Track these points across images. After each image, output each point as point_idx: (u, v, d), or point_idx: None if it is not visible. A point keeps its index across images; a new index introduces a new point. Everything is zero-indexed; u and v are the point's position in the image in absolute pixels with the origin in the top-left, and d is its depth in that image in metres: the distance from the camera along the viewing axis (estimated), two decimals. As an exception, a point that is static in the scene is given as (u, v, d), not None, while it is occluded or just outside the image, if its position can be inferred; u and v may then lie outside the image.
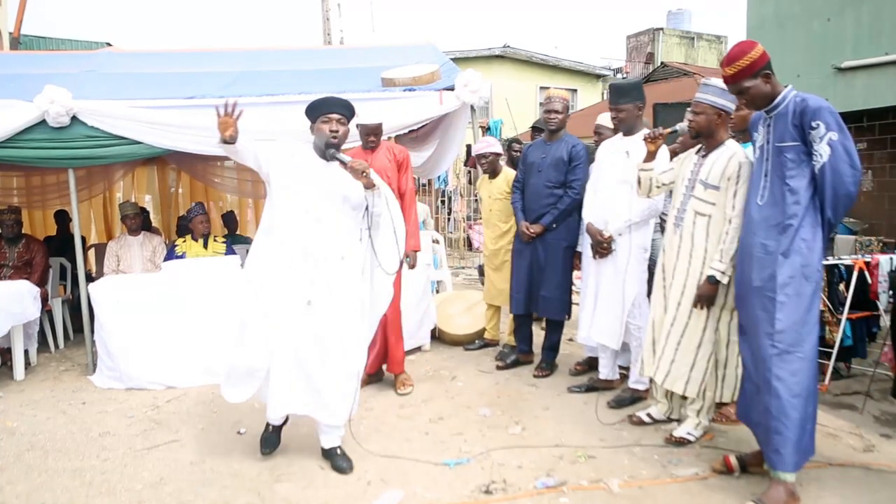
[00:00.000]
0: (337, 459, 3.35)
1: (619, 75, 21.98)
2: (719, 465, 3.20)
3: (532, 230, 4.67)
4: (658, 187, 3.69)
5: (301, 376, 3.25)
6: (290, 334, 3.22)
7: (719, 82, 3.37)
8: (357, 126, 4.33)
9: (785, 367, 2.76)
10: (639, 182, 3.74)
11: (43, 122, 4.79)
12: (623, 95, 4.13)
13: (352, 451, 3.45)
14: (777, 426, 2.76)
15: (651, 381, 3.80)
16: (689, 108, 3.41)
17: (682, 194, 3.45)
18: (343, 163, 3.24)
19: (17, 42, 12.19)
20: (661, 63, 18.43)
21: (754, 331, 2.89)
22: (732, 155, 3.28)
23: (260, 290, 3.24)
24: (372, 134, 4.42)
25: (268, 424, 3.51)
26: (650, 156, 3.67)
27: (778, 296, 2.78)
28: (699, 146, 3.49)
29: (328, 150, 3.25)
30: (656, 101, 8.68)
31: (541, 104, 4.84)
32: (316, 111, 3.30)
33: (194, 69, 5.99)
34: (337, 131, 3.26)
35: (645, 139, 3.65)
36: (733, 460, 3.16)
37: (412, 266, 4.41)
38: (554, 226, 4.63)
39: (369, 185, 3.25)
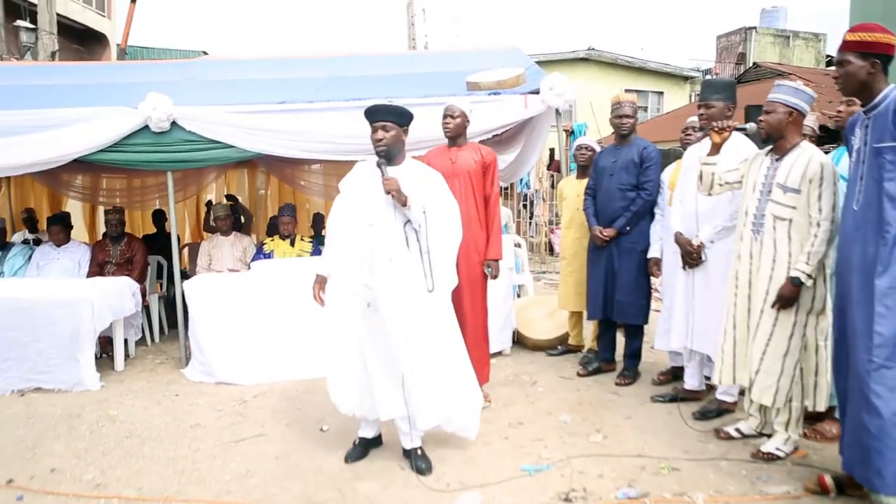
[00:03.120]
0: (417, 460, 3.38)
1: (707, 77, 21.30)
2: (813, 484, 3.05)
3: (605, 234, 4.60)
4: (721, 185, 3.56)
5: (366, 379, 3.34)
6: (356, 339, 3.33)
7: (793, 82, 3.28)
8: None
9: (884, 382, 2.60)
10: (700, 177, 3.62)
11: (146, 128, 5.05)
12: (715, 91, 3.99)
13: (431, 451, 3.47)
14: (878, 446, 2.60)
15: (741, 394, 3.66)
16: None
17: (757, 199, 3.33)
18: (382, 174, 3.29)
19: (123, 53, 12.94)
20: (754, 63, 17.76)
21: (852, 344, 2.74)
22: (811, 157, 3.17)
23: (331, 298, 3.40)
24: (448, 117, 4.25)
25: (357, 438, 3.58)
26: (715, 149, 3.52)
27: (877, 307, 2.62)
28: (767, 148, 3.36)
29: (378, 160, 3.34)
30: (748, 103, 8.38)
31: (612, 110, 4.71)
32: (366, 118, 3.39)
33: (285, 75, 6.18)
34: (381, 139, 3.31)
35: (711, 129, 3.52)
36: (829, 480, 3.00)
37: (494, 276, 4.22)
38: (627, 229, 4.56)
39: (400, 203, 3.25)
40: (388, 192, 3.24)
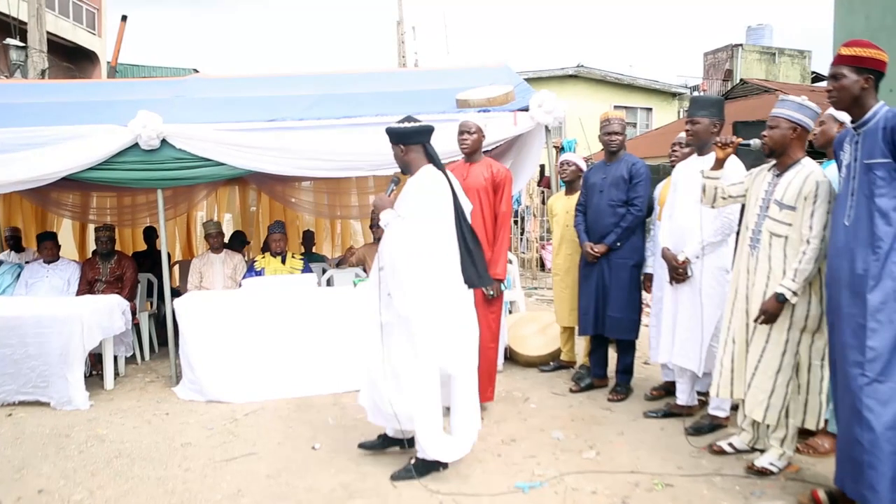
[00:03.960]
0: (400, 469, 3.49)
1: (696, 93, 21.50)
2: (807, 499, 3.05)
3: (596, 250, 4.62)
4: (724, 199, 3.59)
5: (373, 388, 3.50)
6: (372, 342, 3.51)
7: (798, 98, 3.28)
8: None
9: (876, 396, 2.61)
10: (703, 190, 3.65)
11: (135, 146, 5.04)
12: (701, 108, 4.04)
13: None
14: (870, 460, 2.60)
15: (734, 409, 3.66)
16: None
17: (757, 214, 3.35)
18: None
19: (114, 70, 12.93)
20: (741, 80, 17.96)
21: (841, 358, 2.75)
22: (809, 174, 3.17)
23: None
24: (464, 133, 4.33)
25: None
26: (718, 164, 3.58)
27: (869, 322, 2.64)
28: (772, 162, 3.38)
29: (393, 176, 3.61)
30: (736, 120, 8.46)
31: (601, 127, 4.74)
32: None
33: (275, 93, 6.19)
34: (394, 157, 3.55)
35: (715, 145, 3.57)
36: (822, 495, 3.00)
37: (493, 295, 4.24)
38: (618, 244, 4.58)
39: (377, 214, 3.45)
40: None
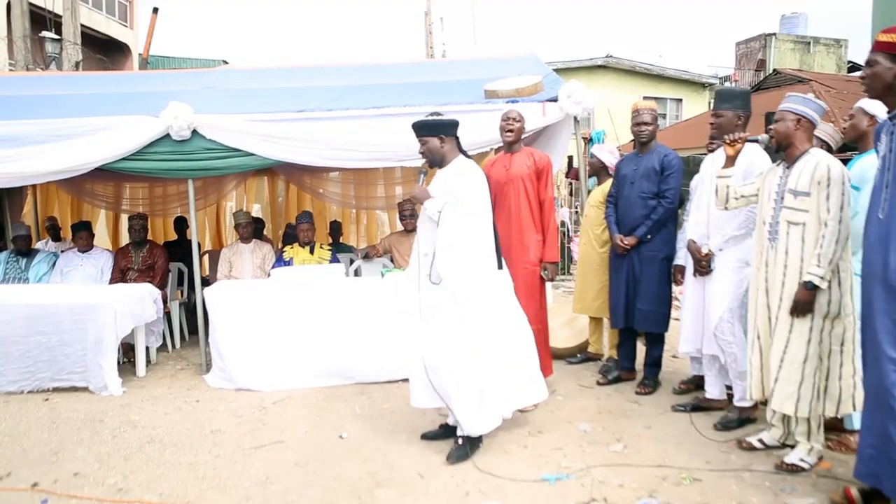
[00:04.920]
0: (452, 450, 3.59)
1: (727, 83, 21.16)
2: (839, 496, 2.99)
3: (626, 242, 4.58)
4: (736, 199, 3.58)
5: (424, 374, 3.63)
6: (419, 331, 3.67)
7: (803, 94, 3.37)
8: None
9: None
10: (716, 191, 3.64)
11: (167, 136, 5.10)
12: (725, 101, 4.04)
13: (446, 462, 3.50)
14: (905, 458, 2.55)
15: (763, 404, 3.61)
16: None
17: (772, 208, 3.35)
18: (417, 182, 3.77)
19: (145, 62, 13.08)
20: (774, 70, 17.60)
21: (875, 356, 2.69)
22: (820, 160, 3.20)
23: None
24: (511, 120, 4.43)
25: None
26: (729, 161, 3.59)
27: None
28: (780, 160, 3.40)
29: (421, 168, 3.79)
30: (768, 111, 8.30)
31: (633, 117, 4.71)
32: None
33: (304, 84, 6.23)
34: (424, 152, 3.68)
35: (724, 141, 3.56)
36: (855, 492, 2.94)
37: (551, 278, 4.46)
38: (648, 237, 4.54)
39: (418, 203, 3.68)
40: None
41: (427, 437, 3.84)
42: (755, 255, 3.50)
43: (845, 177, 3.16)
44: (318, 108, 5.35)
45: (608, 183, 5.14)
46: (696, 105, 20.26)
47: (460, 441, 3.58)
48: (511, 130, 4.42)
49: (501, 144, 4.78)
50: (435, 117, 3.64)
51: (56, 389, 4.85)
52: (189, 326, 6.60)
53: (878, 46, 2.72)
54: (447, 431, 3.79)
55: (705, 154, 4.62)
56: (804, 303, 3.16)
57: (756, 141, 3.54)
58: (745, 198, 3.57)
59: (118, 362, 5.07)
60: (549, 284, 7.01)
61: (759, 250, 3.47)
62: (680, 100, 20.50)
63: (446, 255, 3.50)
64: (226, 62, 16.82)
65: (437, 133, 3.61)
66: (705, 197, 4.12)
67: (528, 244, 4.34)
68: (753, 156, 3.80)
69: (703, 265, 4.02)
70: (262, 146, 5.18)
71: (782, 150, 3.37)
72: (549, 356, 4.56)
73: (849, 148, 3.77)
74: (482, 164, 4.50)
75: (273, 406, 4.54)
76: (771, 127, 3.36)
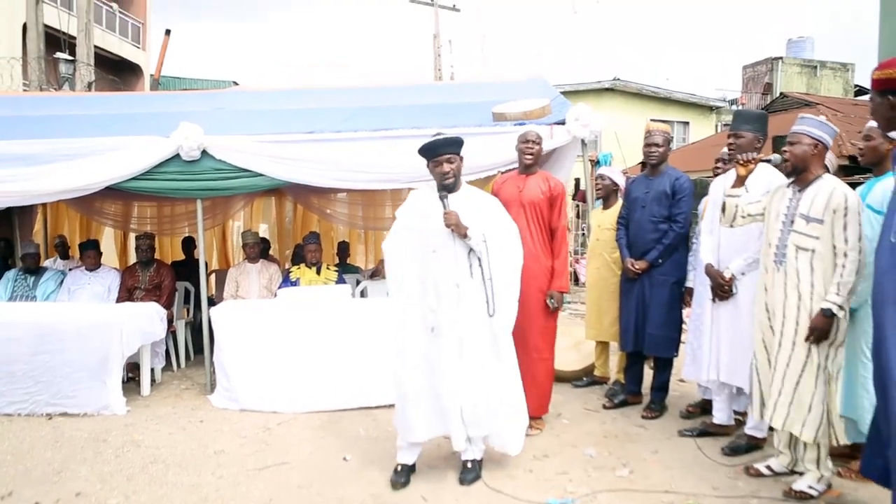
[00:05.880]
0: (464, 472, 3.55)
1: (733, 107, 21.20)
2: (849, 524, 2.95)
3: (637, 266, 4.55)
4: (743, 217, 3.56)
5: (435, 403, 3.47)
6: (421, 362, 3.47)
7: (817, 116, 3.35)
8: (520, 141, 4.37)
9: None
10: (723, 209, 3.62)
11: (177, 156, 5.13)
12: (746, 122, 4.00)
13: (453, 485, 3.47)
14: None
15: (771, 429, 3.57)
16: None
17: (780, 230, 3.34)
18: (444, 207, 3.46)
19: (157, 83, 13.22)
20: (781, 93, 17.66)
21: (890, 381, 2.66)
22: (835, 188, 3.19)
23: (398, 324, 3.56)
24: (530, 142, 4.31)
25: (397, 465, 3.60)
26: (740, 181, 3.56)
27: None
28: (789, 181, 3.39)
29: (440, 192, 3.50)
30: (775, 134, 8.30)
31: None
32: (427, 155, 3.52)
33: (313, 105, 6.26)
34: (448, 173, 3.48)
35: (736, 162, 3.55)
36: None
37: (556, 308, 4.28)
38: (660, 261, 4.50)
39: (460, 235, 3.44)
40: (448, 226, 3.40)
41: (400, 483, 3.50)
42: (760, 276, 3.49)
43: (861, 205, 3.17)
44: (326, 130, 5.37)
45: (619, 205, 5.16)
46: (703, 128, 20.32)
47: (470, 464, 3.56)
48: (531, 153, 4.29)
49: (508, 168, 4.78)
50: (448, 135, 3.52)
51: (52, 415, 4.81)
52: (195, 346, 6.60)
53: (878, 83, 2.76)
54: (410, 470, 3.60)
55: (712, 177, 4.61)
56: (822, 330, 3.14)
57: (768, 161, 3.52)
58: (752, 216, 3.55)
59: (123, 381, 5.06)
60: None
61: (763, 271, 3.46)
62: (687, 123, 20.55)
63: (505, 285, 3.50)
64: (236, 83, 16.99)
65: (459, 151, 3.53)
66: (719, 220, 4.11)
67: (537, 271, 4.20)
68: (774, 176, 3.76)
69: (726, 290, 3.98)
70: (270, 167, 5.21)
71: (795, 174, 3.34)
72: (550, 392, 4.42)
73: (862, 170, 3.76)
74: (490, 183, 4.45)
75: (277, 427, 4.52)
76: (786, 150, 3.32)
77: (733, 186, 3.57)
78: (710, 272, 4.07)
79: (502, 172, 5.29)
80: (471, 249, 3.45)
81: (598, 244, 5.18)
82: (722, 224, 3.70)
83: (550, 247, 4.28)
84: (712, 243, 4.14)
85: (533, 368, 4.14)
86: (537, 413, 4.30)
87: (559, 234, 4.30)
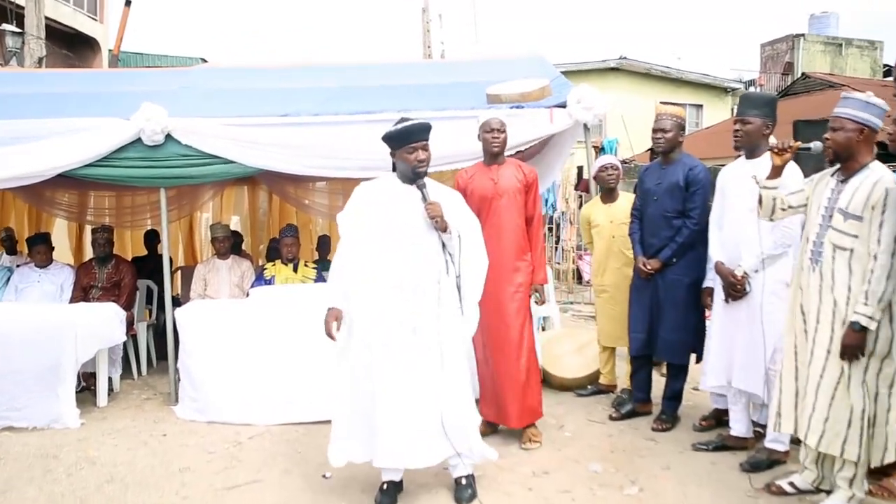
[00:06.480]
0: (459, 490, 3.51)
1: (751, 88, 21.27)
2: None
3: (650, 266, 4.54)
4: (783, 210, 3.52)
5: (413, 419, 3.35)
6: (396, 370, 3.35)
7: (862, 95, 3.21)
8: (481, 127, 4.37)
9: None
10: (760, 201, 3.58)
11: (138, 141, 5.09)
12: (752, 107, 4.01)
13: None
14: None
15: (794, 442, 3.57)
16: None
17: (818, 225, 3.29)
18: (424, 198, 3.43)
19: (116, 59, 13.12)
20: (802, 74, 17.74)
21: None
22: (878, 179, 3.11)
23: (358, 331, 3.45)
24: (495, 131, 4.32)
25: (382, 483, 3.55)
26: (776, 171, 3.52)
27: None
28: (835, 167, 3.32)
29: (418, 181, 3.47)
30: (797, 119, 8.33)
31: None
32: (400, 141, 3.46)
33: (290, 85, 6.24)
34: (423, 161, 3.46)
35: (771, 150, 3.51)
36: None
37: (542, 302, 4.43)
38: (674, 260, 4.49)
39: (442, 229, 3.43)
40: (432, 218, 3.38)
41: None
42: (794, 273, 3.47)
43: None
44: (304, 112, 5.35)
45: (623, 198, 5.15)
46: (718, 111, 20.35)
47: (464, 481, 3.53)
48: (498, 142, 4.33)
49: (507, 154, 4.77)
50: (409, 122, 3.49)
51: None
52: (157, 351, 6.55)
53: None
54: (396, 487, 3.56)
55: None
56: (853, 346, 3.10)
57: (808, 149, 3.47)
58: (794, 208, 3.50)
59: (76, 390, 5.00)
60: (556, 308, 7.01)
61: (798, 269, 3.43)
62: (700, 106, 20.59)
63: (473, 286, 3.51)
64: (204, 60, 16.86)
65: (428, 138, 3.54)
66: (728, 213, 4.11)
67: (519, 265, 4.27)
68: (792, 167, 3.74)
69: (738, 289, 3.98)
70: (242, 153, 5.17)
71: (839, 163, 3.27)
72: (540, 393, 4.43)
73: (891, 157, 3.72)
74: (454, 177, 4.49)
75: (249, 441, 4.49)
76: (827, 136, 3.25)
77: (769, 177, 3.53)
78: (721, 270, 4.07)
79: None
80: (444, 245, 3.46)
81: (616, 241, 5.12)
82: (761, 218, 3.68)
83: (529, 237, 4.38)
84: (722, 238, 4.16)
85: (517, 371, 4.22)
86: (532, 419, 4.34)
87: (535, 222, 4.40)
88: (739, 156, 4.18)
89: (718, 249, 4.16)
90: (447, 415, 3.38)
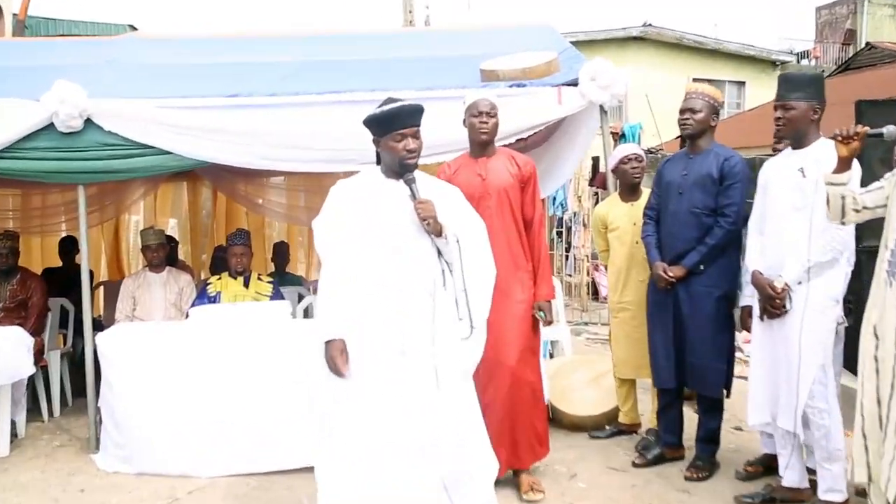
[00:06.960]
0: None
1: (805, 61, 21.44)
2: None
3: (671, 273, 4.57)
4: (857, 211, 3.52)
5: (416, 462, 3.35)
6: (385, 401, 3.34)
7: None
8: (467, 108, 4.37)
9: None
10: (827, 201, 3.60)
11: (51, 127, 5.08)
12: (795, 89, 4.04)
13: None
14: None
15: (859, 494, 3.59)
16: None
17: None
18: (413, 195, 3.43)
19: (22, 26, 13.08)
20: (867, 44, 17.88)
21: None
22: None
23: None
24: (484, 115, 4.31)
25: None
26: (843, 163, 3.50)
27: None
28: None
29: (406, 175, 3.45)
30: (860, 98, 8.39)
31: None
32: (385, 126, 3.46)
33: (240, 59, 6.26)
34: (414, 150, 3.46)
35: (836, 139, 3.50)
36: None
37: (549, 322, 4.42)
38: (701, 267, 4.52)
39: (435, 233, 3.42)
40: (423, 220, 3.37)
41: None
42: (872, 290, 3.46)
43: None
44: (257, 92, 5.37)
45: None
46: (764, 90, 20.43)
47: None
48: (487, 128, 4.31)
49: (501, 143, 4.78)
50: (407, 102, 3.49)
51: None
52: (74, 386, 6.52)
53: None
54: None
55: (771, 156, 4.65)
56: None
57: (879, 135, 3.48)
58: (869, 209, 3.49)
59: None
60: (567, 329, 7.04)
61: (876, 284, 3.45)
62: (742, 83, 20.76)
63: (479, 301, 3.50)
64: (133, 28, 16.86)
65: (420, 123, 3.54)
66: (771, 214, 4.15)
67: (518, 276, 4.28)
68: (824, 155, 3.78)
69: (778, 304, 4.02)
70: (180, 141, 5.19)
71: None
72: (547, 424, 4.50)
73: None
74: (436, 171, 4.47)
75: (188, 497, 4.49)
76: None
77: (835, 171, 3.52)
78: (759, 281, 4.11)
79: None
80: (439, 252, 3.46)
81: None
82: (830, 221, 3.69)
83: (528, 244, 4.37)
84: (763, 244, 4.20)
85: (521, 402, 4.25)
86: (538, 457, 4.41)
87: (536, 225, 4.38)
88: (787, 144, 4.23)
89: (758, 257, 4.20)
90: (443, 442, 3.37)
